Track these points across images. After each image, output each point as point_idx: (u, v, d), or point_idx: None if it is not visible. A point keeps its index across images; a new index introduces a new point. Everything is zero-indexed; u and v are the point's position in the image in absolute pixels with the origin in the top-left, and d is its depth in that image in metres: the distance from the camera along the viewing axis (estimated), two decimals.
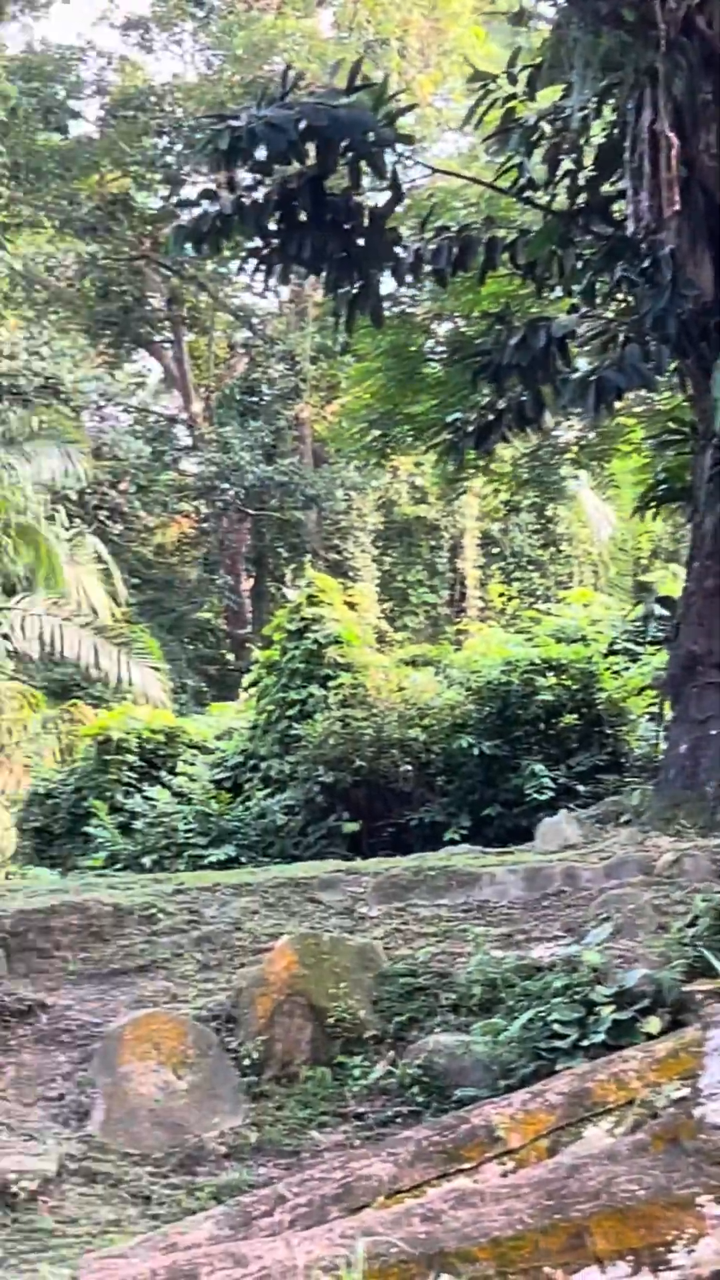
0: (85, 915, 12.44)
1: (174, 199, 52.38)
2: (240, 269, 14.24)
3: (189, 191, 51.15)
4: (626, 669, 23.98)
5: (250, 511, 50.90)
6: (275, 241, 13.36)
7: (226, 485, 47.93)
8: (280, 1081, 10.68)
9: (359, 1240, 6.87)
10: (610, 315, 16.67)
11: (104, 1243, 8.85)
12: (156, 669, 32.82)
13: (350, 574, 45.22)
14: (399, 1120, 10.20)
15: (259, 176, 13.18)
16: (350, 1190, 7.93)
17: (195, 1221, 8.26)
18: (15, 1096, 10.54)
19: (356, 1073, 10.72)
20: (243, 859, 22.31)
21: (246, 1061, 10.75)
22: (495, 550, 47.45)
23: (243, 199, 13.03)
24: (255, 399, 51.88)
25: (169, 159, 50.91)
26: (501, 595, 40.56)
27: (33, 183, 49.85)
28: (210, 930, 12.56)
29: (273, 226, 13.30)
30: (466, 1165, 8.05)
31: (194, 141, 49.64)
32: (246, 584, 54.35)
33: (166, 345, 56.48)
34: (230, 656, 53.17)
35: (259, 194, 13.13)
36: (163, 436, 53.62)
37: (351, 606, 29.39)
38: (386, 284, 15.15)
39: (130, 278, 53.28)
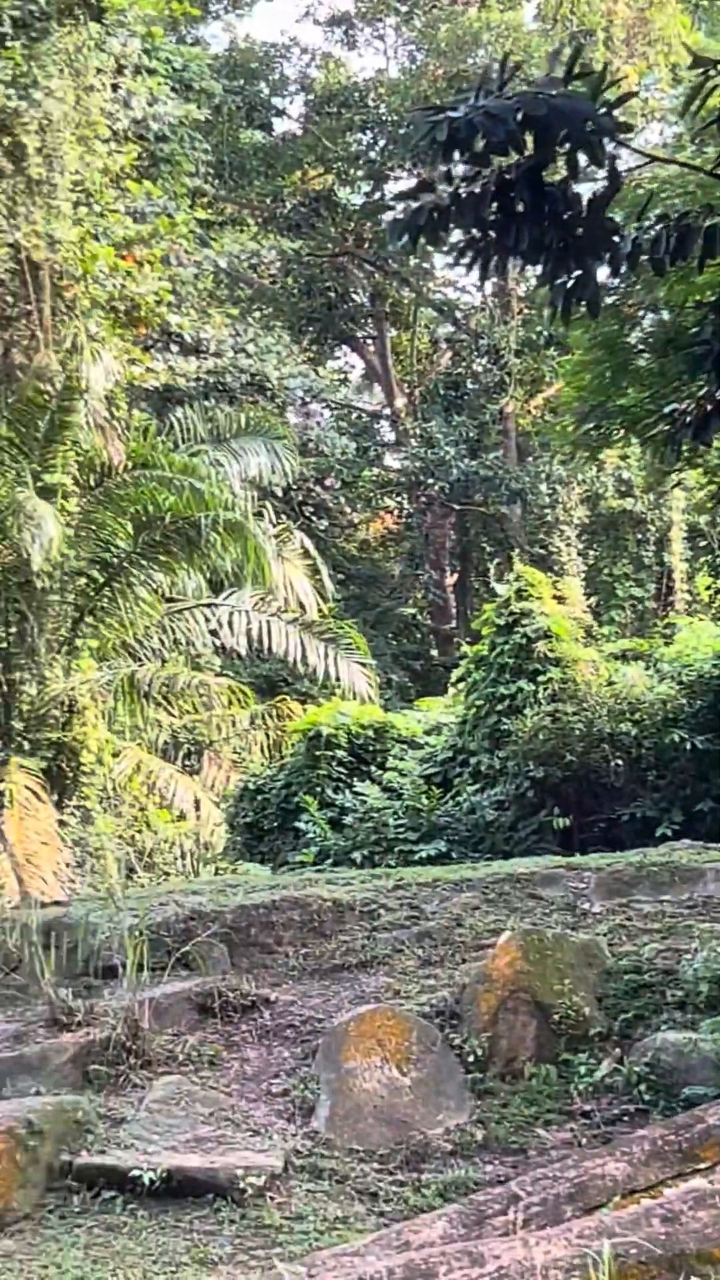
0: (306, 911, 12.45)
1: (377, 194, 52.52)
2: (456, 262, 14.02)
3: (392, 187, 51.31)
4: None
5: (455, 506, 50.83)
6: (492, 233, 13.22)
7: (431, 480, 47.91)
8: (505, 1078, 10.61)
9: (602, 1241, 6.78)
10: None
11: (332, 1239, 8.84)
12: (364, 664, 32.80)
13: (555, 568, 44.95)
14: (626, 1119, 10.10)
15: (476, 168, 13.05)
16: (584, 1189, 7.85)
17: (427, 1220, 8.22)
18: (240, 1092, 10.57)
19: (582, 1070, 10.63)
20: (453, 854, 22.19)
21: (470, 1058, 10.70)
22: (703, 543, 46.92)
23: (460, 191, 12.91)
24: (459, 394, 51.78)
25: (372, 154, 51.00)
26: (709, 588, 40.04)
27: (237, 180, 50.22)
28: (431, 926, 12.51)
29: (490, 218, 13.17)
30: (703, 1165, 7.95)
31: (397, 137, 49.77)
32: (450, 579, 54.32)
33: (369, 341, 56.59)
34: (434, 652, 53.17)
35: (476, 186, 13.01)
36: (366, 432, 53.73)
37: (560, 601, 29.13)
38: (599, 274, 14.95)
39: (333, 274, 53.45)
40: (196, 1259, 8.70)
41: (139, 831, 31.89)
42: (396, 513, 54.86)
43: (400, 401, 54.82)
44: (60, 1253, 8.83)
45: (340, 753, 25.42)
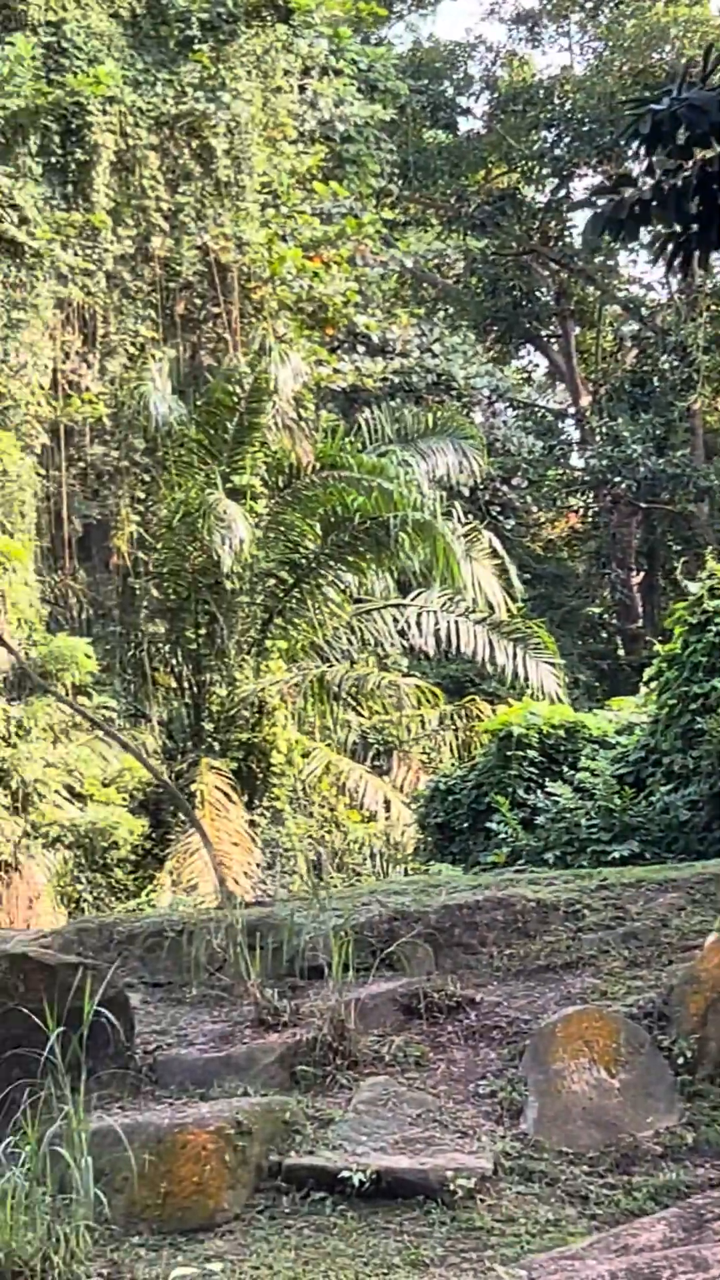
0: (510, 911, 12.35)
1: (562, 192, 52.36)
2: (656, 257, 13.88)
3: (578, 185, 51.18)
4: None
5: (641, 505, 50.50)
6: (694, 227, 13.07)
7: (617, 479, 47.65)
8: (715, 1081, 10.45)
9: None
10: None
11: (544, 1242, 8.75)
12: (553, 664, 32.60)
13: None
14: None
15: (677, 161, 12.91)
16: None
17: (646, 1223, 8.12)
18: (447, 1093, 10.50)
19: None
20: (646, 855, 21.96)
21: (679, 1060, 10.54)
22: None
23: (661, 184, 12.79)
24: (645, 391, 51.43)
25: (557, 152, 50.83)
26: None
27: (421, 180, 50.28)
28: (636, 927, 12.36)
29: (692, 211, 13.03)
30: None
31: (582, 134, 49.56)
32: (636, 578, 53.99)
33: (553, 339, 56.40)
34: (620, 651, 52.87)
35: (678, 179, 12.87)
36: (550, 431, 53.56)
37: None
38: None
39: (517, 273, 53.34)
40: (408, 1261, 8.64)
41: (328, 832, 31.97)
42: (582, 512, 54.63)
43: (585, 400, 54.58)
44: (271, 1254, 8.82)
45: (532, 753, 25.23)
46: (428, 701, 31.72)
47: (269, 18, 31.72)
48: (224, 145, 31.37)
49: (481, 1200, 9.24)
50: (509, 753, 25.30)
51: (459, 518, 32.49)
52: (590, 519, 53.99)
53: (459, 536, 31.05)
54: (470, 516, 35.21)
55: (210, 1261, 8.71)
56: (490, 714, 32.11)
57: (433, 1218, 9.11)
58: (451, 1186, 9.23)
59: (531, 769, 25.10)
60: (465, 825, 25.65)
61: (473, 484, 37.14)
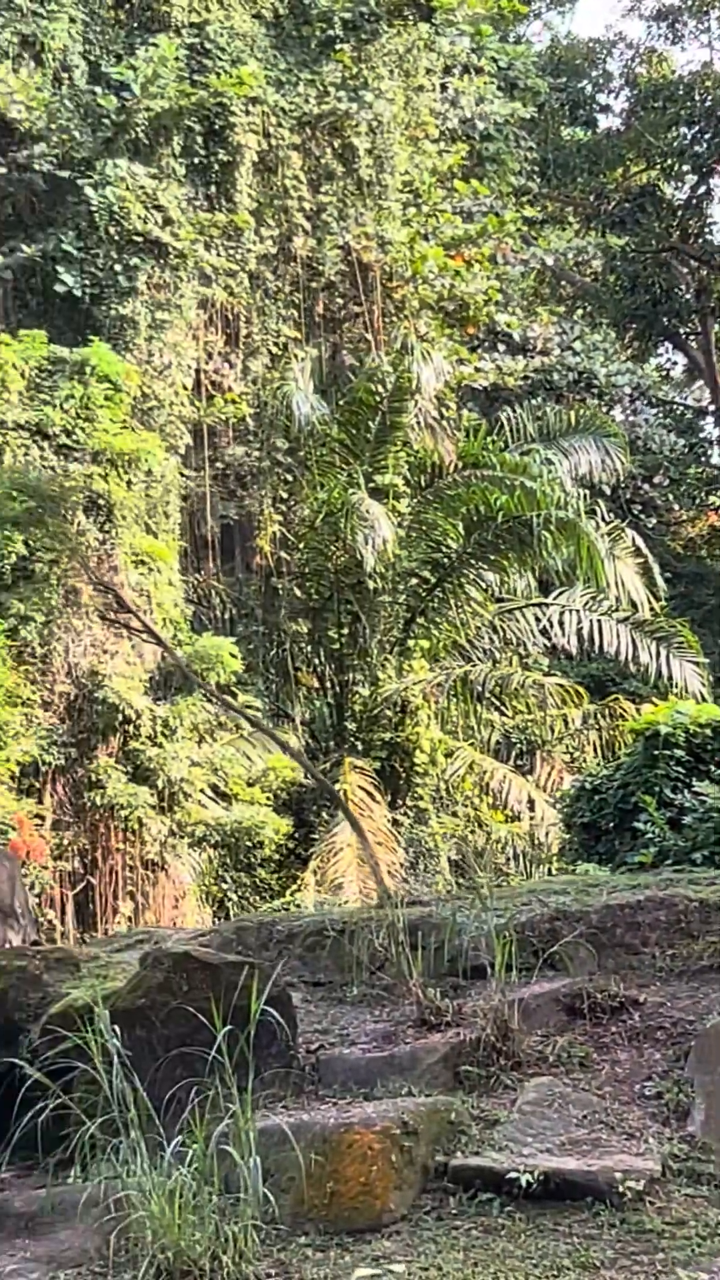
0: (672, 911, 12.20)
1: (702, 189, 51.96)
2: None
3: (719, 182, 50.77)
4: None
5: None
6: None
7: None
8: None
9: None
10: None
11: (715, 1245, 8.65)
12: (697, 663, 32.33)
13: None
14: None
15: None
16: None
17: None
18: (612, 1094, 10.39)
19: None
20: None
21: None
22: None
23: None
24: None
25: (697, 149, 50.39)
26: None
27: (560, 178, 50.06)
28: None
29: None
30: None
31: None
32: None
33: (692, 337, 55.93)
34: None
35: None
36: (691, 429, 53.15)
37: None
38: None
39: (656, 270, 52.90)
40: (579, 1263, 8.55)
41: (471, 832, 31.88)
42: None
43: None
44: (439, 1255, 8.75)
45: (679, 751, 25.02)
46: (572, 701, 31.52)
47: (411, 16, 31.67)
48: (366, 145, 31.35)
49: (650, 1203, 9.13)
50: (656, 752, 25.10)
51: (603, 516, 32.32)
52: None
53: (603, 535, 30.86)
54: (612, 515, 35.04)
55: (388, 1262, 8.67)
56: (635, 713, 31.94)
57: (601, 1220, 9.02)
58: (620, 1189, 9.13)
59: (678, 768, 24.88)
60: (611, 825, 25.46)
61: (614, 482, 36.91)
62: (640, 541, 33.55)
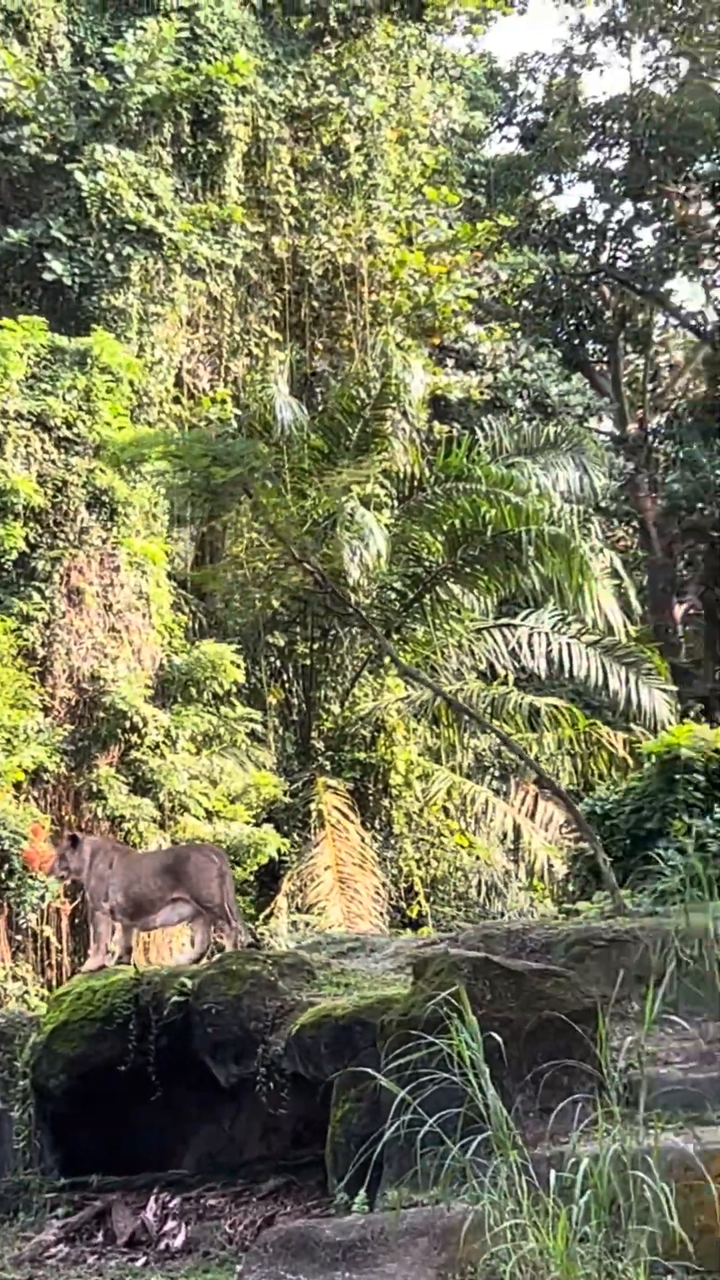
0: None
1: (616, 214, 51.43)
2: None
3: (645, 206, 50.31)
4: None
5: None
6: None
7: (700, 504, 46.58)
8: None
9: None
10: None
11: None
12: (666, 690, 31.42)
13: None
14: None
15: None
16: None
17: None
18: None
19: None
20: None
21: None
22: None
23: None
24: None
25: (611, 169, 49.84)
26: None
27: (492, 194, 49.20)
28: None
29: None
30: None
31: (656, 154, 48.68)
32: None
33: (599, 364, 55.10)
34: None
35: None
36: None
37: None
38: None
39: (580, 294, 52.29)
40: None
41: (437, 857, 30.96)
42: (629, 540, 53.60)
43: (632, 427, 53.15)
44: None
45: (697, 776, 24.22)
46: (564, 720, 30.49)
47: (403, 12, 30.70)
48: (355, 141, 30.32)
49: None
50: (675, 776, 24.24)
51: (597, 533, 31.47)
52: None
53: (598, 554, 30.02)
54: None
55: None
56: (613, 739, 31.13)
57: None
58: None
59: (697, 793, 24.09)
60: (621, 852, 24.56)
61: (593, 501, 36.03)
62: (618, 563, 32.76)
